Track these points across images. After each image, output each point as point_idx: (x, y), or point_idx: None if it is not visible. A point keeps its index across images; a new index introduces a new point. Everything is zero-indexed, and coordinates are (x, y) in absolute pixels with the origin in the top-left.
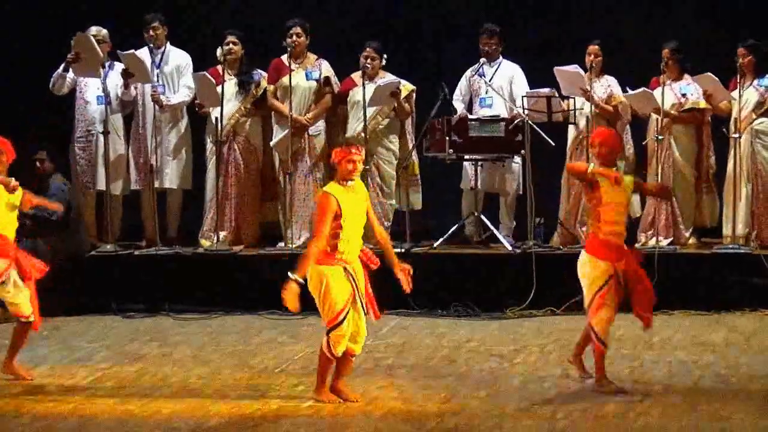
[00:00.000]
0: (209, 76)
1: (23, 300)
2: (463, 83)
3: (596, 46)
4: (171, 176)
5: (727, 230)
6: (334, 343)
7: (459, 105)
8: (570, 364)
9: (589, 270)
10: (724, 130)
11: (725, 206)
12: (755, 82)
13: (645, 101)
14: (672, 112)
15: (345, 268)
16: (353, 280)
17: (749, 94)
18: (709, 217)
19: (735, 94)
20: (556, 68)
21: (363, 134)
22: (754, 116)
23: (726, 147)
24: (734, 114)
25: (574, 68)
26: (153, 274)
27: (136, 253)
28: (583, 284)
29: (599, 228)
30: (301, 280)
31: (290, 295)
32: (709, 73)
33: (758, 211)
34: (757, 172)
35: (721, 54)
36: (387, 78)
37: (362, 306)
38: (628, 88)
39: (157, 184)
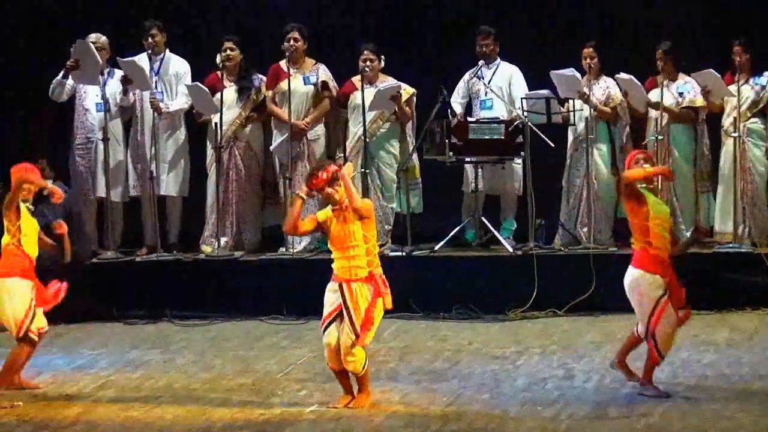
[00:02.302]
0: (202, 86)
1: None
2: (461, 85)
3: (590, 48)
4: (169, 183)
5: (720, 228)
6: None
7: (457, 107)
8: (613, 370)
9: (644, 286)
10: (723, 130)
11: (719, 204)
12: (751, 80)
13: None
14: (673, 108)
15: (340, 285)
16: (344, 297)
17: (745, 92)
18: (705, 215)
19: (732, 89)
20: (552, 72)
21: (363, 138)
22: (748, 114)
23: (717, 145)
24: (730, 111)
25: (570, 72)
26: (154, 281)
27: (138, 259)
28: (637, 301)
29: (649, 243)
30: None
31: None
32: (711, 70)
33: (747, 209)
34: (746, 170)
35: (713, 52)
36: (387, 82)
37: (351, 328)
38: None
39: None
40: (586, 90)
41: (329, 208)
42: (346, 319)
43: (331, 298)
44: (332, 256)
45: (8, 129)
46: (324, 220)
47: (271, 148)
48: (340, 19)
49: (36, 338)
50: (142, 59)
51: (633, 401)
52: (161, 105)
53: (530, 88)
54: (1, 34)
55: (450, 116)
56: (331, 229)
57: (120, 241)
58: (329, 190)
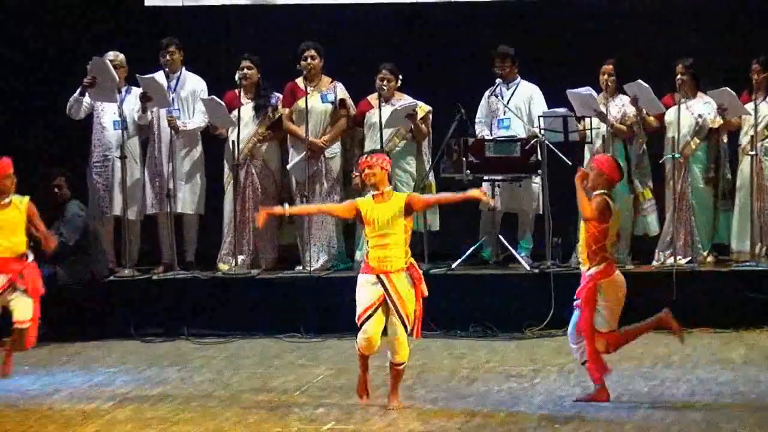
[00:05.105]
0: (217, 99)
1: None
2: (483, 105)
3: (610, 66)
4: (185, 201)
5: (737, 246)
6: (359, 340)
7: (480, 127)
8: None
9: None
10: (740, 149)
11: (736, 222)
12: None
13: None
14: (688, 139)
15: (378, 276)
16: (386, 288)
17: (762, 110)
18: (725, 234)
19: (749, 108)
20: (568, 91)
21: None
22: (766, 133)
23: (734, 163)
24: (747, 129)
25: (586, 90)
26: (171, 299)
27: (155, 277)
28: (613, 309)
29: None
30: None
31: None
32: (727, 88)
33: (764, 228)
34: (763, 189)
35: (730, 69)
36: (403, 100)
37: (399, 318)
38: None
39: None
40: (602, 108)
41: (370, 195)
42: (393, 310)
43: (370, 290)
44: (368, 246)
45: (27, 146)
46: (363, 206)
47: (288, 167)
48: (356, 38)
49: None
50: (158, 77)
51: (650, 419)
52: (178, 123)
53: (548, 107)
54: (20, 51)
55: (467, 134)
56: (369, 215)
57: (137, 259)
58: (368, 171)
